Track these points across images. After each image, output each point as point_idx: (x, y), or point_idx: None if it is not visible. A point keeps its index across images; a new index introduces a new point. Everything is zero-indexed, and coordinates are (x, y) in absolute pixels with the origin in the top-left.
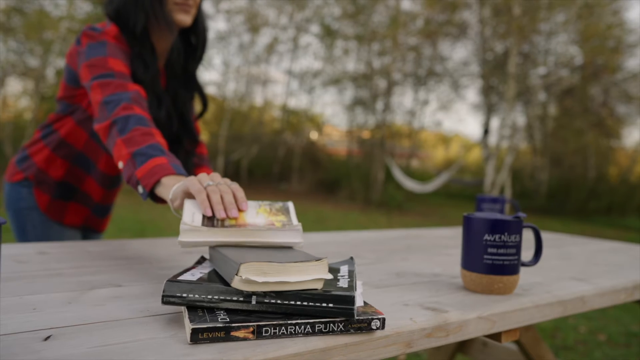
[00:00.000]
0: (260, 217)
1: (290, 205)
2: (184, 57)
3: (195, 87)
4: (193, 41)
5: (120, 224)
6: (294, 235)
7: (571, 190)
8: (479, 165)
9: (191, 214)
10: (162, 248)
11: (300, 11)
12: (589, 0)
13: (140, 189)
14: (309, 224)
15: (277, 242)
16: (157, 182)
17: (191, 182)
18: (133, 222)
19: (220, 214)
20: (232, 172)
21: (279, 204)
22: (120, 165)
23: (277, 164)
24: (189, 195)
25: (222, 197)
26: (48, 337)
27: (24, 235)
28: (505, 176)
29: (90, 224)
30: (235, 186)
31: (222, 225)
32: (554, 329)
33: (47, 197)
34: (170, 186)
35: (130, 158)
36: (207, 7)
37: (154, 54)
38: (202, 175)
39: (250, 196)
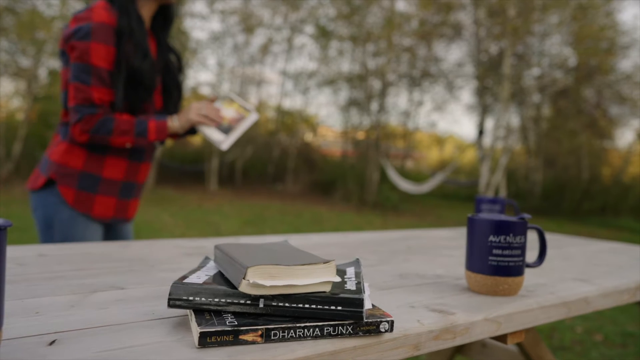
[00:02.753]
0: (230, 110)
1: (233, 95)
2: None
3: (172, 50)
4: (160, 18)
5: None
6: (255, 116)
7: (565, 191)
8: (473, 166)
9: (210, 132)
10: (162, 250)
11: (294, 12)
12: (583, 2)
13: (157, 144)
14: (306, 225)
15: (251, 122)
16: (167, 132)
17: (195, 120)
18: None
19: (220, 122)
20: (226, 173)
21: (227, 98)
22: (128, 145)
23: (272, 164)
24: (196, 124)
25: (212, 114)
26: (53, 341)
27: (49, 232)
28: (500, 177)
29: (119, 214)
30: (208, 104)
31: (225, 126)
32: (550, 329)
33: (72, 191)
34: (173, 126)
35: (135, 137)
36: (201, 8)
37: (140, 21)
38: (193, 111)
39: (246, 198)
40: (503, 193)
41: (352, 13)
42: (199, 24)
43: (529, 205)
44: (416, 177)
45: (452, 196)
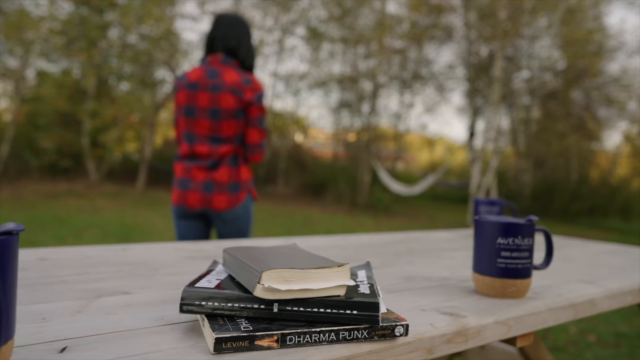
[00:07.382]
0: None
1: None
2: None
3: None
4: None
5: (105, 228)
6: None
7: (554, 193)
8: (464, 168)
9: None
10: (163, 253)
11: (285, 13)
12: (571, 4)
13: None
14: (297, 227)
15: None
16: None
17: None
18: (117, 225)
19: None
20: None
21: None
22: None
23: (263, 166)
24: None
25: None
26: (64, 348)
27: (250, 224)
28: (491, 178)
29: None
30: None
31: None
32: (544, 330)
33: (255, 190)
34: None
35: None
36: (192, 9)
37: None
38: None
39: None
40: (494, 194)
41: (343, 15)
42: (189, 25)
43: (519, 207)
44: (407, 178)
45: (443, 198)
